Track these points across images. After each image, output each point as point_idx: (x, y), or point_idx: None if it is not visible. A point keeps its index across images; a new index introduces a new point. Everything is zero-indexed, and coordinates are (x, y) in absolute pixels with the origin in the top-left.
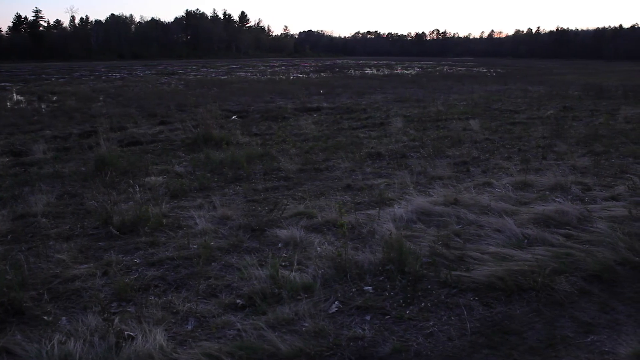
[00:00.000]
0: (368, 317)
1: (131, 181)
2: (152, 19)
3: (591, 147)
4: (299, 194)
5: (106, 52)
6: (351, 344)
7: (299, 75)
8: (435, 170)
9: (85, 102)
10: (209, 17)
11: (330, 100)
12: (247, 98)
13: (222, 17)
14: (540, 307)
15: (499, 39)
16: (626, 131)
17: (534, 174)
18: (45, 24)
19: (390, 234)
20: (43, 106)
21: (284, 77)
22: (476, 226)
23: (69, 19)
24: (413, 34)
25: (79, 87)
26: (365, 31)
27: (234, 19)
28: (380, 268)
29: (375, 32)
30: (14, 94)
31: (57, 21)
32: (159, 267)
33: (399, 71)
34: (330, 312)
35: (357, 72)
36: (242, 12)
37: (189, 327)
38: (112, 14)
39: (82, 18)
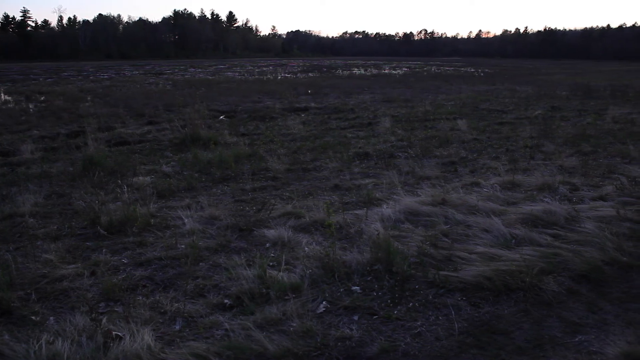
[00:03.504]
0: (356, 317)
1: (119, 181)
2: (140, 19)
3: (579, 147)
4: (287, 194)
5: (94, 52)
6: (339, 344)
7: (286, 75)
8: (423, 170)
9: (73, 102)
10: (197, 17)
11: (318, 100)
12: (235, 98)
13: (209, 17)
14: (528, 307)
15: (487, 39)
16: (614, 131)
17: (522, 174)
18: (33, 24)
19: (378, 234)
20: (31, 106)
21: (271, 77)
22: (464, 226)
23: (56, 19)
24: (401, 34)
25: (66, 87)
26: (353, 31)
27: (221, 19)
28: (368, 268)
29: (363, 32)
30: (2, 94)
31: (45, 21)
32: (147, 267)
33: (386, 71)
34: (318, 312)
35: (344, 72)
36: (230, 12)
37: (177, 327)
38: (100, 14)
39: (69, 18)
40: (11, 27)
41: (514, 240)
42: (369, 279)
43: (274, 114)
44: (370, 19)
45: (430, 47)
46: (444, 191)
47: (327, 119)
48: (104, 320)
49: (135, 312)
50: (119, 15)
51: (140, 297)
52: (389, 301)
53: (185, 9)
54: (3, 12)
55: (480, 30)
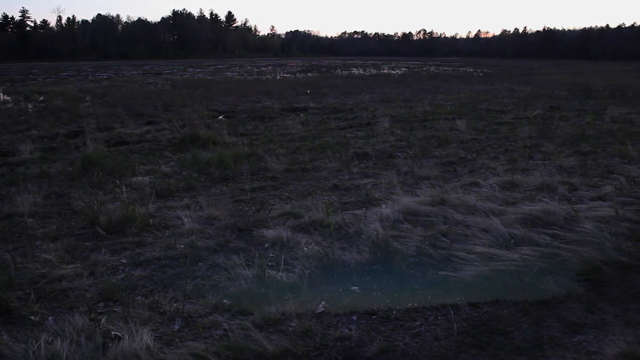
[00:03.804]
0: (355, 317)
1: (118, 181)
2: (139, 19)
3: (578, 147)
4: (286, 194)
5: (93, 52)
6: (338, 344)
7: (285, 75)
8: (422, 170)
9: (72, 102)
10: (196, 17)
11: (317, 100)
12: (234, 98)
13: (208, 17)
14: (527, 307)
15: (486, 38)
16: (613, 131)
17: (521, 174)
18: (32, 24)
19: (377, 234)
20: (30, 106)
21: (270, 77)
22: (463, 226)
23: (55, 19)
24: (400, 34)
25: (65, 87)
26: (352, 31)
27: (220, 19)
28: (367, 268)
29: (362, 32)
30: (1, 94)
31: (44, 21)
32: (146, 267)
33: (385, 71)
34: (317, 312)
35: (343, 72)
36: (229, 12)
37: (176, 327)
38: (99, 14)
39: (68, 18)
40: (10, 27)
41: (513, 240)
42: (368, 279)
43: (272, 114)
44: (369, 19)
45: (429, 47)
46: (443, 191)
47: (326, 119)
48: (103, 320)
49: (134, 312)
50: (118, 15)
51: (139, 297)
52: (387, 301)
53: (184, 9)
54: (2, 12)
55: (479, 30)
